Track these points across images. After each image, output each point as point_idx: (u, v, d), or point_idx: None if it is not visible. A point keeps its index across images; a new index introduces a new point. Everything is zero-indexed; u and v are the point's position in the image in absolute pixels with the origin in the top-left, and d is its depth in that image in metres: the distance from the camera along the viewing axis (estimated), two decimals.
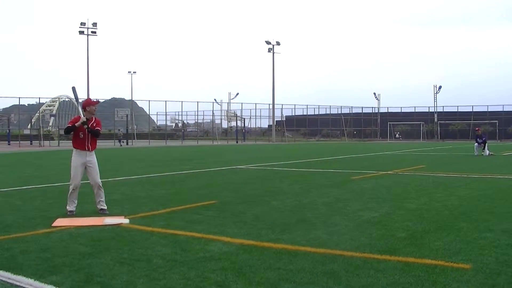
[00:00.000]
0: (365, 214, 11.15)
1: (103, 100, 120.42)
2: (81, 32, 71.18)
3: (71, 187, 11.41)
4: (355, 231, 9.32)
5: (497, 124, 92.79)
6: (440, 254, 7.66)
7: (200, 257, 7.50)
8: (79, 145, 11.48)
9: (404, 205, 12.41)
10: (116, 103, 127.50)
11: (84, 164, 11.45)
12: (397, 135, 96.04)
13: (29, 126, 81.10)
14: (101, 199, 11.46)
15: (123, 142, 67.81)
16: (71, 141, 11.57)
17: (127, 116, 72.78)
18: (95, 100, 12.35)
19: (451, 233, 9.16)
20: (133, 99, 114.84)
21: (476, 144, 37.33)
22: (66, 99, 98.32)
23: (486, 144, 37.12)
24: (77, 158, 11.43)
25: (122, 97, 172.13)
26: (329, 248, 8.04)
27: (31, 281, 6.31)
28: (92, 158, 11.52)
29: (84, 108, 11.67)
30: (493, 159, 31.96)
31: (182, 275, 6.56)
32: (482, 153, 36.10)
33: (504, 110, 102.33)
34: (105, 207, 11.41)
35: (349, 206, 12.32)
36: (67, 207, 11.32)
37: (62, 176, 19.42)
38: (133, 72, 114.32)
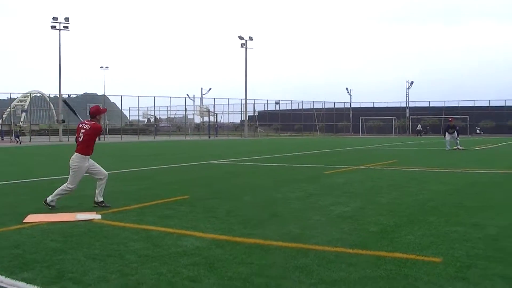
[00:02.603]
0: (337, 209, 11.20)
1: (75, 96, 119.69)
2: (53, 27, 70.33)
3: (70, 189, 11.48)
4: (327, 226, 9.37)
5: (468, 119, 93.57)
6: (411, 248, 7.73)
7: (172, 252, 7.50)
8: (90, 152, 11.67)
9: (376, 200, 12.48)
10: (88, 98, 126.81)
11: (87, 167, 11.57)
12: (477, 131, 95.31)
13: (0, 122, 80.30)
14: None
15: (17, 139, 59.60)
16: (82, 147, 11.52)
17: None
18: (103, 107, 12.47)
19: (422, 227, 9.24)
20: (105, 94, 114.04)
21: (447, 137, 36.99)
22: (38, 95, 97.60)
23: (455, 135, 37.09)
24: (85, 164, 11.52)
25: (94, 92, 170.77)
26: (301, 242, 8.07)
27: (2, 277, 6.26)
28: (90, 160, 11.70)
29: (94, 116, 11.84)
30: (464, 154, 32.21)
31: (154, 270, 6.56)
32: (458, 147, 36.25)
33: (475, 105, 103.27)
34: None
35: (321, 200, 12.37)
36: (53, 203, 11.37)
37: (35, 172, 19.31)
38: (106, 67, 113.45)
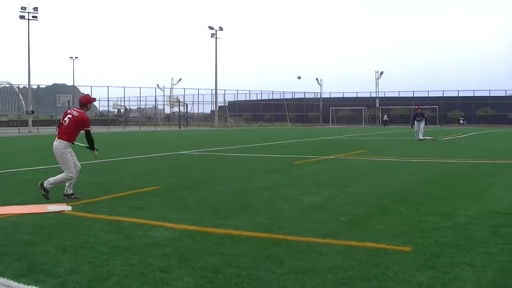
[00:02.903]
0: (308, 199, 11.26)
1: (45, 86, 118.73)
2: (22, 17, 69.46)
3: (72, 176, 11.39)
4: (298, 216, 9.43)
5: (437, 109, 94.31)
6: (382, 237, 7.80)
7: (143, 243, 7.50)
8: (73, 140, 11.54)
9: (346, 190, 12.56)
10: (58, 88, 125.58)
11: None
12: (461, 121, 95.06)
13: None
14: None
15: None
16: (66, 133, 11.34)
17: (69, 102, 71.71)
18: (93, 97, 12.31)
19: (393, 216, 9.33)
20: (75, 84, 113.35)
21: (415, 126, 36.57)
22: (7, 85, 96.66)
23: (423, 123, 36.74)
24: (69, 150, 11.39)
25: (63, 82, 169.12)
26: (272, 232, 8.12)
27: None
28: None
29: (85, 105, 11.71)
30: (434, 144, 32.48)
31: (125, 261, 6.56)
32: (426, 137, 36.35)
33: (444, 95, 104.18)
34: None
35: (292, 191, 12.42)
36: (72, 191, 11.42)
37: (4, 164, 19.15)
38: (75, 58, 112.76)
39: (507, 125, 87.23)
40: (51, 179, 11.24)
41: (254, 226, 8.56)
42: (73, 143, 11.47)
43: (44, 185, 11.18)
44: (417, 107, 43.00)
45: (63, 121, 11.43)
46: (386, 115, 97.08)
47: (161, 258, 6.71)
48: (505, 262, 6.52)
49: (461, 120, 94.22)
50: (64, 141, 11.30)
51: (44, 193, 11.14)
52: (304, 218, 9.25)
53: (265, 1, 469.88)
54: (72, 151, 11.47)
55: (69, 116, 11.42)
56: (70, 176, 11.33)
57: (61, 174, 11.34)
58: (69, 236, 7.96)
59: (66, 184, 11.44)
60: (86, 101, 11.74)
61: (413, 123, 37.32)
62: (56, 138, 11.43)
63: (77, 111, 11.51)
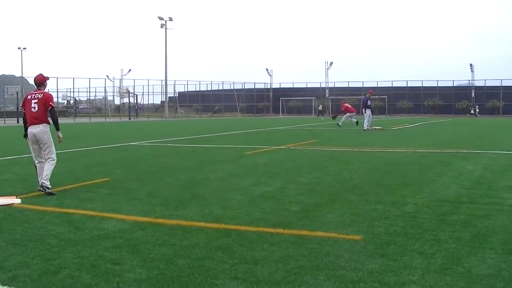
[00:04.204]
0: (258, 189, 11.32)
1: None
2: None
3: (55, 160, 11.39)
4: (249, 206, 9.47)
5: (386, 99, 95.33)
6: (332, 226, 7.90)
7: (94, 235, 7.47)
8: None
9: (297, 179, 12.65)
10: (6, 80, 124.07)
11: None
12: (472, 111, 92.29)
13: None
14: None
15: None
16: (42, 115, 11.10)
17: (17, 93, 70.72)
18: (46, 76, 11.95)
19: (343, 205, 9.44)
20: (23, 76, 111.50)
21: (367, 112, 36.23)
22: None
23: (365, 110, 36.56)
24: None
25: (12, 73, 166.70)
26: (223, 223, 8.15)
27: None
28: None
29: (42, 84, 11.43)
30: (383, 134, 32.83)
31: (76, 254, 6.53)
32: (374, 127, 36.63)
33: (393, 85, 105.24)
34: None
35: (242, 181, 12.47)
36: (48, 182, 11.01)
37: None
38: (23, 48, 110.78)
39: (455, 115, 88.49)
40: (44, 175, 10.98)
41: (205, 217, 8.59)
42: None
43: (44, 185, 10.90)
44: (370, 90, 42.00)
45: (32, 108, 11.13)
46: (320, 105, 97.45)
47: (112, 250, 6.70)
48: (453, 249, 6.65)
49: (472, 110, 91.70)
50: (46, 124, 11.15)
51: (49, 191, 10.88)
52: (255, 208, 9.29)
53: None
54: None
55: (35, 101, 11.14)
56: (55, 160, 11.26)
57: (48, 164, 11.16)
58: (19, 229, 7.88)
59: (44, 174, 11.01)
60: (43, 80, 11.45)
61: (365, 109, 36.76)
62: (33, 124, 11.12)
63: (40, 92, 11.25)
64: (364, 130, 35.24)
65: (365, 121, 36.14)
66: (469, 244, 6.88)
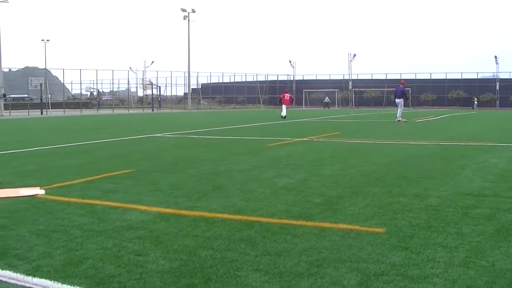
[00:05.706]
0: (281, 181, 11.30)
1: (16, 69, 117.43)
2: None
3: None
4: (271, 198, 9.45)
5: (410, 91, 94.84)
6: (355, 218, 7.86)
7: (117, 226, 7.49)
8: None
9: (319, 171, 12.62)
10: (29, 71, 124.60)
11: None
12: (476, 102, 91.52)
13: None
14: None
15: None
16: None
17: (41, 85, 71.14)
18: None
19: (366, 198, 9.39)
20: (47, 67, 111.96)
21: (402, 102, 36.15)
22: None
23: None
24: None
25: (35, 65, 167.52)
26: (246, 215, 8.14)
27: None
28: None
29: None
30: (405, 126, 32.66)
31: (99, 245, 6.55)
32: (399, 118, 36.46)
33: (417, 78, 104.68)
34: None
35: (265, 173, 12.45)
36: None
37: None
38: (47, 40, 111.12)
39: (478, 108, 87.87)
40: None
41: (228, 209, 8.58)
42: None
43: None
44: (402, 81, 41.19)
45: None
46: (327, 97, 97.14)
47: (135, 241, 6.71)
48: (477, 242, 6.59)
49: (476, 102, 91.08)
50: None
51: None
52: (277, 200, 9.28)
53: None
54: None
55: None
56: None
57: None
58: (43, 220, 7.92)
59: None
60: None
61: (403, 98, 36.65)
62: None
63: None
64: (399, 121, 35.22)
65: (398, 112, 36.15)
66: (493, 238, 6.81)
